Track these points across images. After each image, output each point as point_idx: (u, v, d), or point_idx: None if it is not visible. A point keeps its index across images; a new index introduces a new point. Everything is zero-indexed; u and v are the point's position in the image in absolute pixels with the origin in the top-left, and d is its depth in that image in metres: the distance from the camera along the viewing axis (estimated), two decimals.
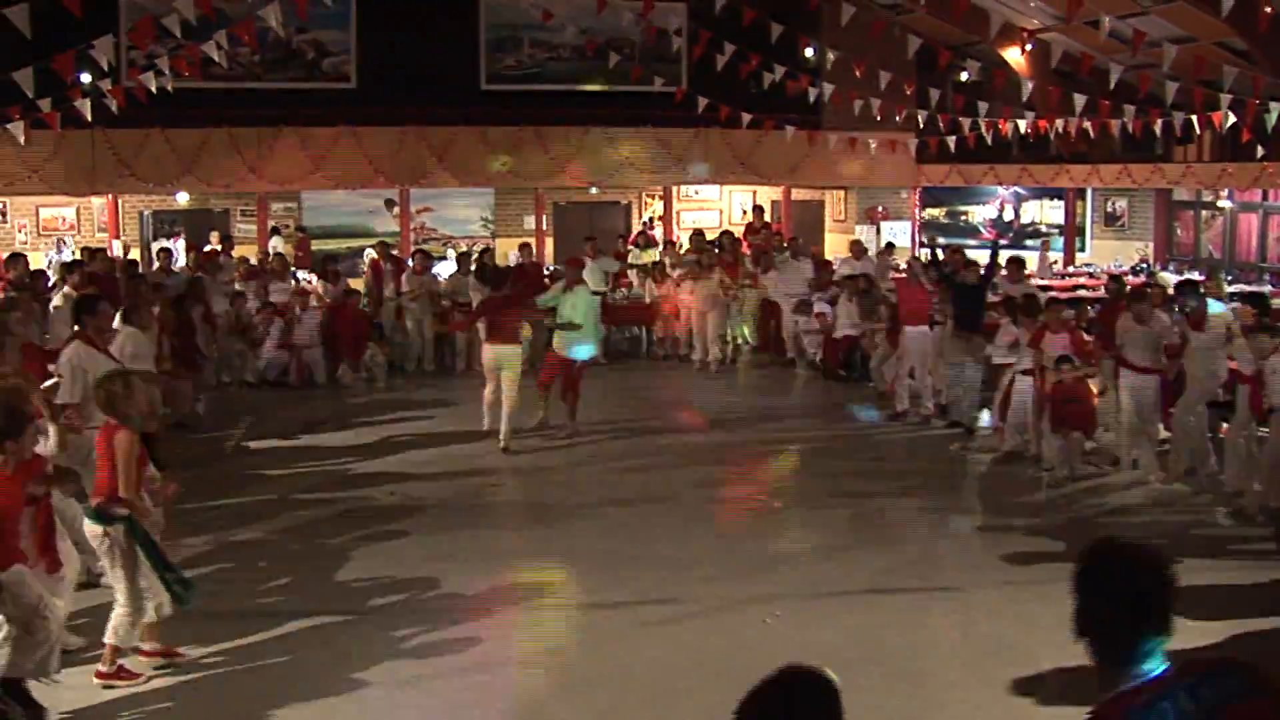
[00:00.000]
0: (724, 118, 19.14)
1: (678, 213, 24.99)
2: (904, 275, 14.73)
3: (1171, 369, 10.69)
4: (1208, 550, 8.77)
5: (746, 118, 18.90)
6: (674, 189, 24.46)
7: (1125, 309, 11.17)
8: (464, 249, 19.39)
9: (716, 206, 26.26)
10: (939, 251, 14.24)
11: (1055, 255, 22.89)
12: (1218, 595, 7.62)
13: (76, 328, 8.70)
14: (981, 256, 14.09)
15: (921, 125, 19.67)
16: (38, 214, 21.88)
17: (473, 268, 16.06)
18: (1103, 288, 15.59)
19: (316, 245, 22.13)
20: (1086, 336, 11.73)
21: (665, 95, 20.25)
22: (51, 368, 8.72)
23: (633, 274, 18.58)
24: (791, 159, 22.13)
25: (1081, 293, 17.66)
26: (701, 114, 19.18)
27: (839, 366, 15.75)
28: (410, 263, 17.15)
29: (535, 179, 21.77)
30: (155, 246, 19.64)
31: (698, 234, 19.74)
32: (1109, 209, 23.94)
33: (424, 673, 6.83)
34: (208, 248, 18.64)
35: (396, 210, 22.52)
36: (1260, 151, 17.40)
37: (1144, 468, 10.80)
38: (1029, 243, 24.39)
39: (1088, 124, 18.37)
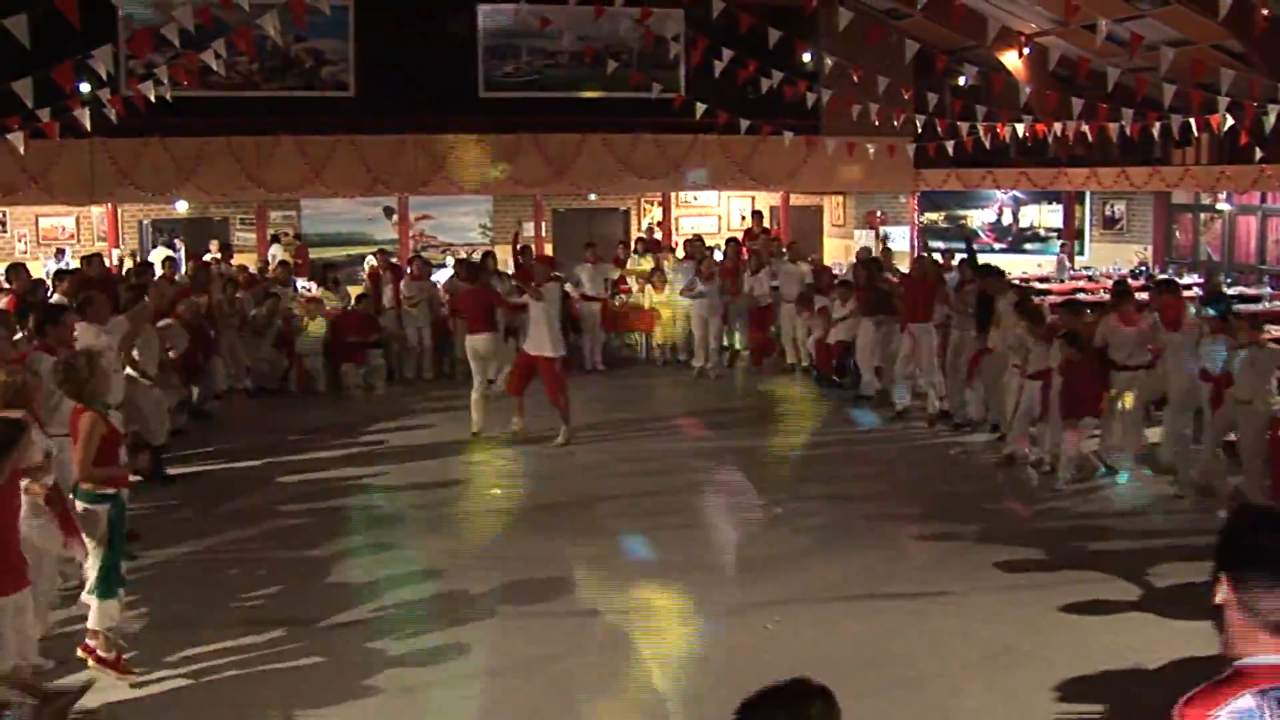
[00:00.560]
0: (722, 123, 19.14)
1: (677, 219, 25.01)
2: (909, 273, 14.68)
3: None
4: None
5: (745, 123, 18.88)
6: (673, 195, 24.47)
7: (1112, 310, 11.26)
8: (462, 255, 19.40)
9: (715, 212, 26.29)
10: (975, 253, 14.50)
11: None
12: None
13: (37, 337, 8.83)
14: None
15: (919, 130, 19.64)
16: (37, 223, 21.92)
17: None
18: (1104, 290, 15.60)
19: (316, 253, 22.17)
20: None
21: (663, 101, 20.24)
22: None
23: (632, 280, 18.58)
24: (790, 164, 22.16)
25: (1081, 295, 17.64)
26: (700, 120, 19.16)
27: (832, 372, 15.75)
28: (409, 270, 17.13)
29: (534, 186, 21.78)
30: (160, 254, 19.67)
31: (696, 239, 19.75)
32: (1108, 212, 23.95)
33: (424, 680, 6.82)
34: (207, 256, 18.67)
35: (395, 218, 22.55)
36: (1258, 154, 17.38)
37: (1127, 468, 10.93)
38: (1028, 246, 24.44)
39: (1086, 127, 18.34)
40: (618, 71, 19.89)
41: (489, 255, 17.44)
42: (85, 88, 16.17)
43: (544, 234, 23.22)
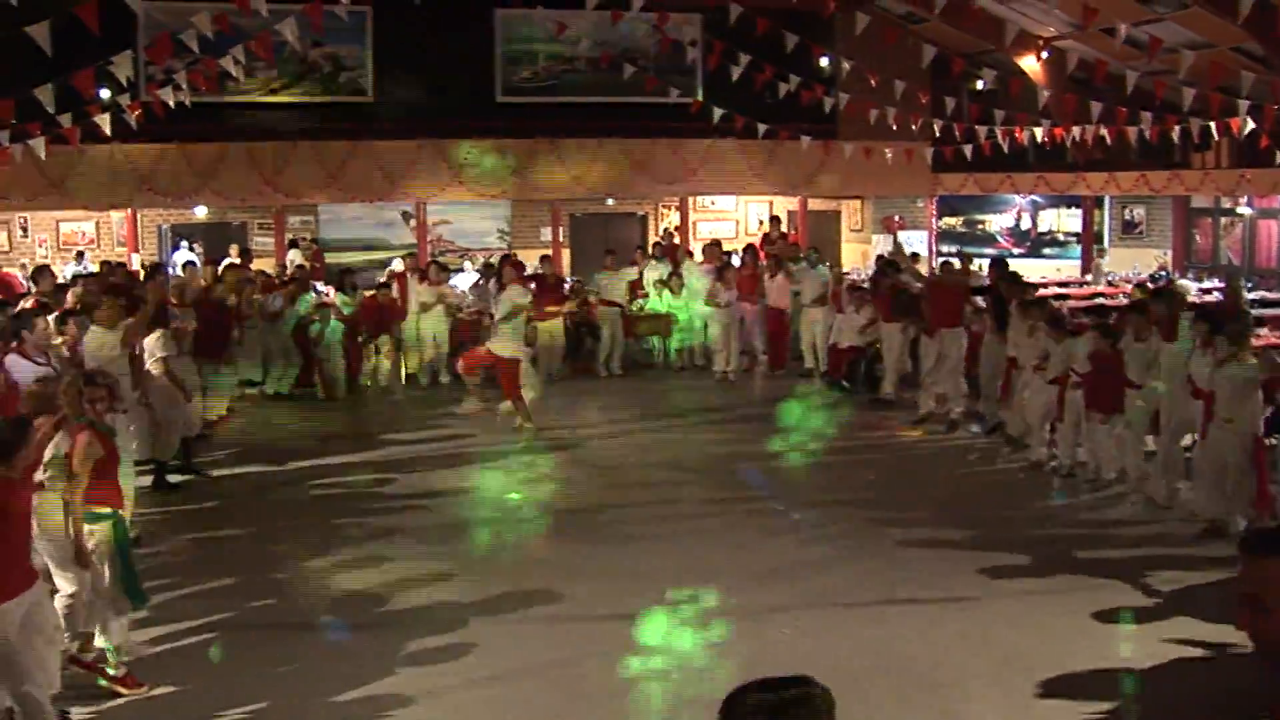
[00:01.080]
0: (739, 128, 19.15)
1: (694, 223, 25.00)
2: (937, 278, 14.62)
3: None
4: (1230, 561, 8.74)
5: (762, 128, 18.91)
6: (690, 200, 24.48)
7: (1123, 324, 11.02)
8: (480, 261, 19.45)
9: (733, 217, 26.28)
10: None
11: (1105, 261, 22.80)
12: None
13: (14, 341, 9.01)
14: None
15: (937, 134, 19.63)
16: (58, 228, 22.08)
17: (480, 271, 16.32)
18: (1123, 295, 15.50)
19: (333, 258, 22.24)
20: None
21: (681, 106, 20.26)
22: None
23: (649, 285, 18.58)
24: (807, 169, 22.15)
25: (1100, 300, 17.60)
26: (717, 125, 19.19)
27: (842, 377, 15.73)
28: (427, 274, 17.14)
29: (551, 191, 21.81)
30: (179, 259, 19.78)
31: (714, 244, 19.75)
32: (1127, 216, 23.86)
33: (439, 684, 6.84)
34: (226, 261, 18.73)
35: (413, 223, 22.60)
36: (1279, 157, 17.31)
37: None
38: (1046, 251, 24.36)
39: (1104, 131, 18.30)
40: (635, 76, 19.90)
41: (508, 257, 17.47)
42: (105, 94, 16.29)
43: (561, 239, 23.23)
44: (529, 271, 16.76)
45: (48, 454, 6.65)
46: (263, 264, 20.31)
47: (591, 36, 22.38)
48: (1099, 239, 24.04)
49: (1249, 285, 18.59)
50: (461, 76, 21.96)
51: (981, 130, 19.26)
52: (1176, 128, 17.51)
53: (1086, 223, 23.86)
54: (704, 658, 7.18)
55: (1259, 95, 16.21)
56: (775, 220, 23.55)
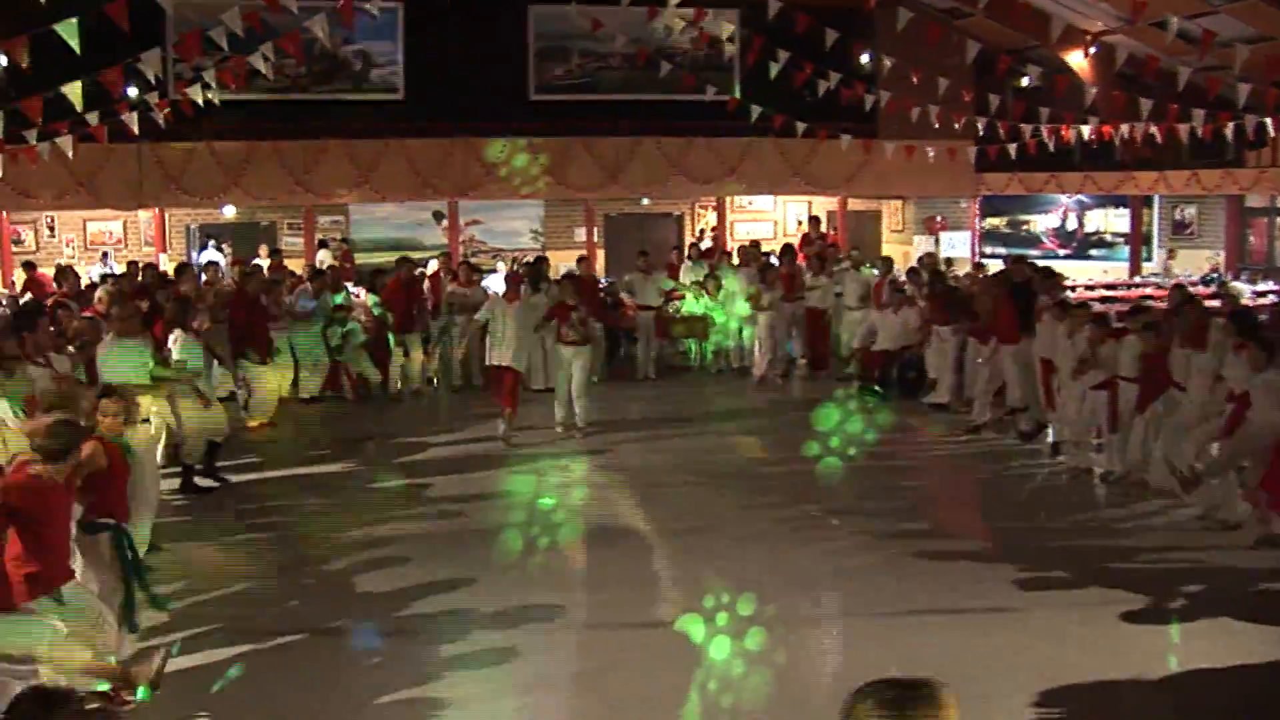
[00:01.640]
0: (778, 127, 19.09)
1: (731, 224, 24.97)
2: (996, 282, 14.24)
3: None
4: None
5: (801, 126, 18.85)
6: (728, 200, 24.45)
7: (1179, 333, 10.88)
8: (513, 261, 19.47)
9: (771, 218, 26.24)
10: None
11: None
12: None
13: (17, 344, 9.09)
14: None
15: (981, 132, 19.53)
16: (85, 228, 22.31)
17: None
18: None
19: (364, 259, 22.34)
20: None
21: (718, 104, 20.22)
22: None
23: (684, 287, 18.55)
24: (847, 168, 22.10)
25: (1149, 304, 17.42)
26: (755, 123, 19.15)
27: (875, 380, 15.65)
28: (457, 275, 17.14)
29: (585, 190, 21.84)
30: (202, 258, 19.91)
31: (753, 245, 19.72)
32: (1177, 216, 23.65)
33: (470, 693, 6.82)
34: (255, 261, 18.82)
35: (445, 223, 22.68)
36: None
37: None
38: (1093, 253, 24.18)
39: (1155, 129, 18.16)
40: (671, 74, 19.88)
41: (542, 260, 17.49)
42: (133, 92, 16.43)
43: (595, 239, 23.25)
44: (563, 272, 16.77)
45: None
46: (292, 264, 20.43)
47: (626, 33, 22.40)
48: (1148, 240, 23.85)
49: None
50: (494, 73, 22.03)
51: (1026, 128, 19.15)
52: (1230, 125, 17.35)
53: (1135, 223, 23.68)
54: (739, 667, 7.12)
55: None
56: (814, 221, 23.50)
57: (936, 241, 24.33)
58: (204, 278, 15.97)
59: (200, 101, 15.77)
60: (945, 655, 7.25)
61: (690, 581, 8.60)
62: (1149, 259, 23.75)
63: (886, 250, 25.91)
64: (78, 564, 6.82)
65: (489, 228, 24.49)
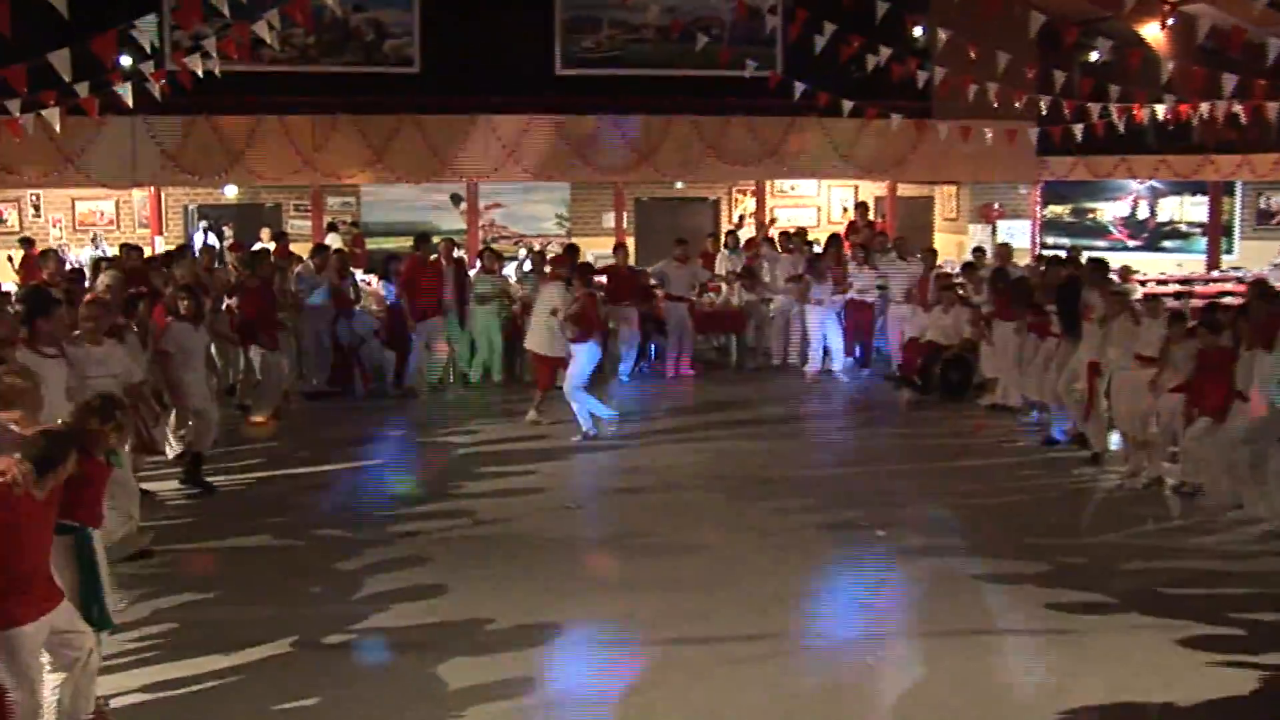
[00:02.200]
0: (823, 105, 18.97)
1: (772, 210, 24.82)
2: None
3: None
4: None
5: (848, 105, 18.71)
6: (767, 184, 24.32)
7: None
8: (537, 248, 19.35)
9: (814, 203, 26.11)
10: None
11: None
12: None
13: (27, 331, 8.85)
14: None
15: (1044, 112, 19.34)
16: (74, 208, 22.36)
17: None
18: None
19: (376, 244, 22.32)
20: None
21: (758, 81, 20.05)
22: None
23: (720, 278, 18.42)
24: (897, 151, 21.97)
25: (1228, 300, 17.21)
26: (798, 101, 19.04)
27: (914, 373, 15.53)
28: (479, 263, 17.02)
29: (615, 173, 21.74)
30: (198, 241, 19.90)
31: (799, 232, 19.54)
32: (1262, 204, 23.37)
33: (489, 712, 6.76)
34: (257, 246, 18.80)
35: (463, 206, 22.60)
36: None
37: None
38: (1166, 244, 23.92)
39: (1238, 108, 17.93)
40: (708, 47, 19.77)
41: (572, 249, 17.39)
42: (127, 61, 16.43)
43: (625, 225, 23.13)
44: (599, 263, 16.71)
45: None
46: (299, 249, 20.41)
47: (660, 3, 22.30)
48: (1228, 230, 23.55)
49: None
50: (517, 46, 22.01)
51: (1094, 108, 18.98)
52: None
53: (1214, 211, 23.41)
54: (782, 686, 7.06)
55: None
56: (861, 207, 23.35)
57: (994, 231, 24.12)
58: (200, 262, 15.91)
59: (200, 73, 15.68)
60: (997, 678, 7.23)
61: (725, 594, 8.56)
62: (1229, 251, 23.44)
63: (939, 240, 25.75)
64: None
65: (511, 212, 24.45)
